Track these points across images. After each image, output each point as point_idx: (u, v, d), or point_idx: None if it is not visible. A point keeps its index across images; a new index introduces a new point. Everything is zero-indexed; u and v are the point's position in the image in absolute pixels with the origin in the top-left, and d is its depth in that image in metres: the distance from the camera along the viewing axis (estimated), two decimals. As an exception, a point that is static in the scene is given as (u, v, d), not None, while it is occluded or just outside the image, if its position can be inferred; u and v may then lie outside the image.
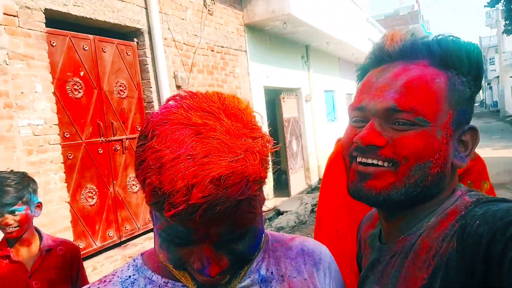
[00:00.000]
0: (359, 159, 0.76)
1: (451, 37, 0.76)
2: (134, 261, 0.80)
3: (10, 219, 1.77)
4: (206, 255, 0.64)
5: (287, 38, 8.80)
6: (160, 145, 0.59)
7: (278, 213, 7.58)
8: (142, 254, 0.81)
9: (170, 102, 0.68)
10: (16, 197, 1.78)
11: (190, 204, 0.56)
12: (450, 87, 0.73)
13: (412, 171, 0.71)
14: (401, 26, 33.42)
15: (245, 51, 7.14)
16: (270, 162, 0.69)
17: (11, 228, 1.78)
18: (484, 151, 13.44)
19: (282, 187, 9.04)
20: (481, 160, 1.61)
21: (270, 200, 7.75)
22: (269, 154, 0.68)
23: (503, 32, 26.88)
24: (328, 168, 1.79)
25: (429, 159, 0.71)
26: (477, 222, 0.62)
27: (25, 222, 1.83)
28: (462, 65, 0.74)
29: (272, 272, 0.79)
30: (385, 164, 0.73)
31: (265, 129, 0.72)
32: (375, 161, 0.74)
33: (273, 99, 9.11)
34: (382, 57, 0.79)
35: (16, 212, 1.78)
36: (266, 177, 0.65)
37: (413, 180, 0.72)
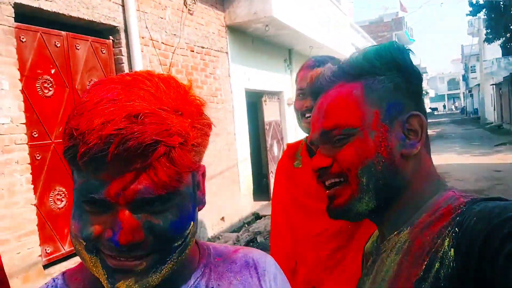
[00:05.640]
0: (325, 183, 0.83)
1: (364, 49, 0.83)
2: (54, 281, 0.70)
3: None
4: (118, 220, 0.57)
5: (270, 41, 8.74)
6: (88, 97, 0.59)
7: (257, 217, 7.49)
8: (64, 273, 0.72)
9: None
10: None
11: (103, 137, 0.54)
12: (366, 91, 0.79)
13: (358, 177, 0.76)
14: (385, 32, 33.83)
15: (227, 52, 7.05)
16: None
17: None
18: (464, 157, 13.62)
19: (262, 191, 8.96)
20: None
21: (250, 204, 7.66)
22: (206, 137, 0.67)
23: (484, 41, 27.39)
24: (276, 172, 1.91)
25: (368, 161, 0.76)
26: (474, 218, 0.63)
27: None
28: (374, 67, 0.80)
29: None
30: (340, 179, 0.79)
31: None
32: (331, 180, 0.80)
33: (255, 102, 9.03)
34: (314, 96, 0.88)
35: None
36: (198, 143, 0.64)
37: (364, 185, 0.76)
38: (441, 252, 0.66)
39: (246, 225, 7.08)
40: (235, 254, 0.80)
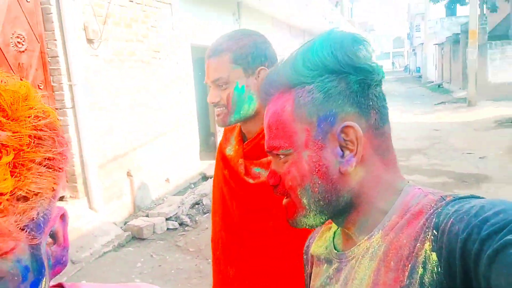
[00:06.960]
0: None
1: (296, 53, 0.74)
2: None
3: None
4: None
5: (217, -7, 8.30)
6: None
7: (204, 177, 7.38)
8: None
9: None
10: None
11: None
12: (295, 107, 0.72)
13: (299, 198, 0.74)
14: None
15: (170, 3, 6.60)
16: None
17: None
18: (406, 115, 14.10)
19: (209, 150, 8.83)
20: None
21: (196, 164, 7.51)
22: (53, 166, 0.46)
23: (430, 0, 27.90)
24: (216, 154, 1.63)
25: (305, 183, 0.73)
26: (451, 220, 0.61)
27: None
28: (301, 76, 0.72)
29: None
30: (287, 197, 0.78)
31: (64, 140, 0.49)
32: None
33: (202, 58, 8.65)
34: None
35: None
36: (30, 193, 0.42)
37: (306, 205, 0.74)
38: (423, 256, 0.63)
39: (193, 186, 6.96)
40: None
